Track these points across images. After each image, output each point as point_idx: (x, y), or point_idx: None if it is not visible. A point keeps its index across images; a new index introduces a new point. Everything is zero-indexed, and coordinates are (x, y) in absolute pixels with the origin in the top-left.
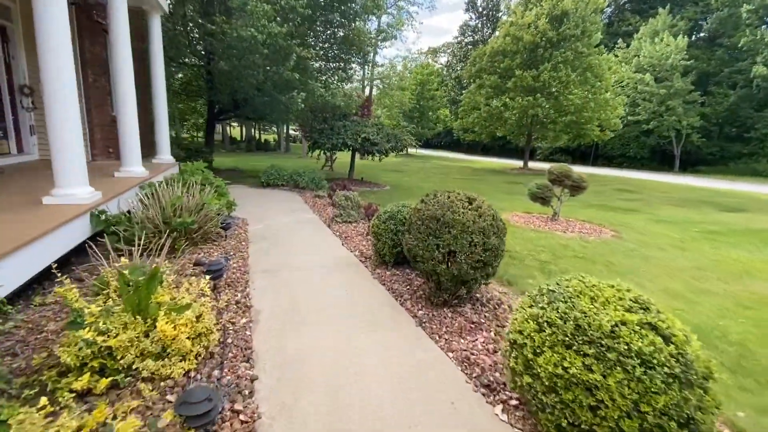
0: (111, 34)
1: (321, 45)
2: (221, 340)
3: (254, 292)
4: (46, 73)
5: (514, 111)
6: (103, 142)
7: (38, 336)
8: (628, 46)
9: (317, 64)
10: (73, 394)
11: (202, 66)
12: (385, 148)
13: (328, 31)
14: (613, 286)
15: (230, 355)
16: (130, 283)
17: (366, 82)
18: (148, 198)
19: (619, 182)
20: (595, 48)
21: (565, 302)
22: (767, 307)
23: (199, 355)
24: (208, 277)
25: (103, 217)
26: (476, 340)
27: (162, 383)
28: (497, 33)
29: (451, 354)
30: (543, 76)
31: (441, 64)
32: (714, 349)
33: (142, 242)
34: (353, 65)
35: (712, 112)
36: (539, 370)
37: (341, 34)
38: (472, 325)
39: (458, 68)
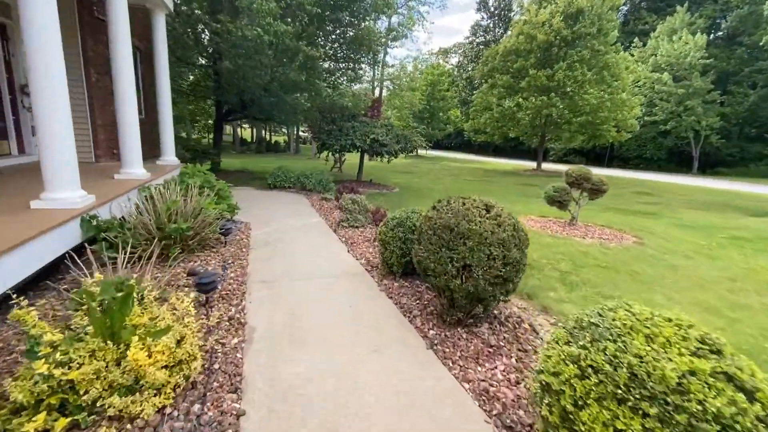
0: (110, 30)
1: (330, 45)
2: (206, 366)
3: (250, 305)
4: (34, 69)
5: (528, 111)
6: (106, 143)
7: (7, 358)
8: (644, 45)
9: (326, 65)
10: None
11: (209, 66)
12: (395, 150)
13: (338, 31)
14: (671, 320)
15: (216, 384)
16: (104, 302)
17: (376, 83)
18: (145, 202)
19: (637, 185)
20: (612, 46)
21: (614, 341)
22: None
23: (178, 387)
24: (193, 295)
25: (94, 222)
26: (495, 367)
27: (129, 425)
28: (510, 32)
29: (466, 385)
30: (557, 76)
31: (452, 64)
32: None
33: (131, 250)
34: (363, 66)
35: (732, 112)
36: (583, 429)
37: (351, 33)
38: (491, 350)
39: (469, 68)
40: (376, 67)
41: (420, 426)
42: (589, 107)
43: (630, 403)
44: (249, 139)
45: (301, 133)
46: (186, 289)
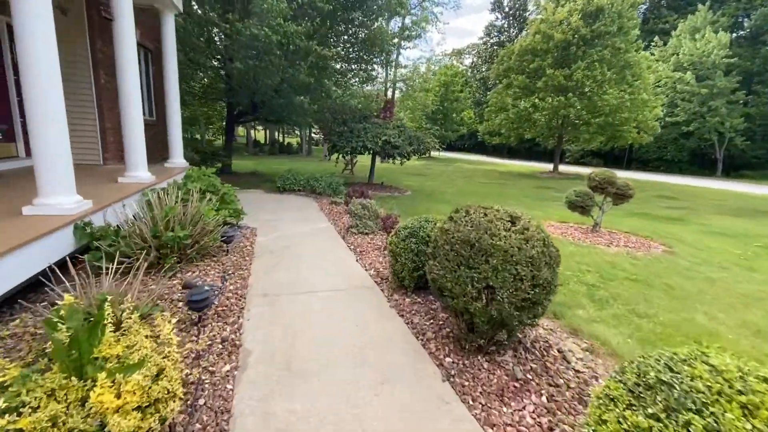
0: (115, 29)
1: (342, 45)
2: (190, 402)
3: (248, 324)
4: (25, 67)
5: (545, 112)
6: (115, 145)
7: None
8: (665, 44)
9: (338, 66)
10: None
11: (220, 68)
12: (407, 151)
13: (350, 31)
14: (766, 380)
15: (198, 426)
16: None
17: (388, 84)
18: (144, 208)
19: (659, 188)
20: (633, 44)
21: (699, 413)
22: None
23: None
24: (174, 321)
25: (88, 230)
26: (524, 407)
27: None
28: (524, 32)
29: (491, 430)
30: (576, 75)
31: (465, 65)
32: None
33: (126, 260)
34: (375, 67)
35: (757, 113)
36: None
37: (363, 34)
38: (517, 384)
39: (483, 69)
40: (388, 67)
41: None
42: (609, 108)
43: None
44: (262, 141)
45: (313, 135)
46: (180, 303)
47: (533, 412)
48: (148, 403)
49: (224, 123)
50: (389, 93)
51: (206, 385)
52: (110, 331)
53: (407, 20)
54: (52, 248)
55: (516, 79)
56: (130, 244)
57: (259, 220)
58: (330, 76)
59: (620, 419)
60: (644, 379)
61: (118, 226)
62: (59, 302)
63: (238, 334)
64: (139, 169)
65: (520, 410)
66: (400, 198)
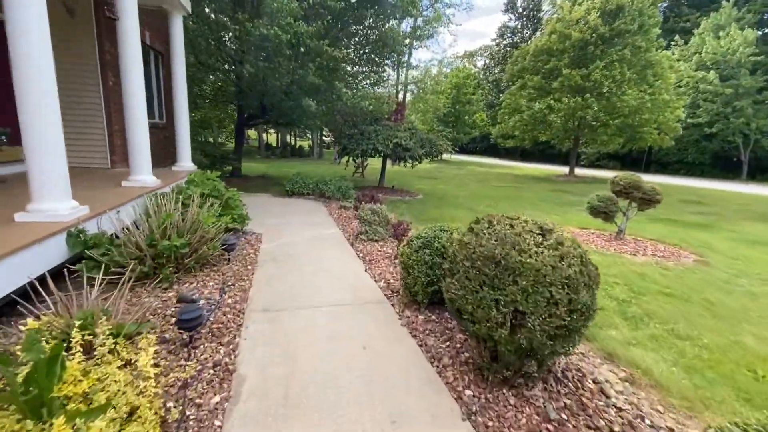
0: (119, 28)
1: (354, 47)
2: None
3: (244, 344)
4: (18, 63)
5: (561, 113)
6: (123, 148)
7: None
8: (686, 43)
9: (349, 68)
10: None
11: (230, 70)
12: (419, 154)
13: (361, 33)
14: None
15: None
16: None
17: (400, 87)
18: (143, 214)
19: (683, 192)
20: (654, 43)
21: None
22: None
23: None
24: (152, 350)
25: (82, 237)
26: None
27: None
28: (538, 33)
29: None
30: (594, 75)
31: (477, 67)
32: None
33: (120, 270)
34: (386, 69)
35: None
36: None
37: (374, 35)
38: (551, 427)
39: (496, 71)
40: (400, 69)
41: None
42: (628, 109)
43: None
44: (274, 144)
45: (324, 138)
46: (174, 319)
47: None
48: None
49: (232, 126)
50: (400, 95)
51: (191, 422)
52: (79, 361)
53: (419, 20)
54: (42, 258)
55: (531, 79)
56: (124, 253)
57: (265, 225)
58: (341, 79)
59: None
60: None
61: (113, 233)
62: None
63: (232, 356)
64: (143, 173)
65: None
66: (412, 202)
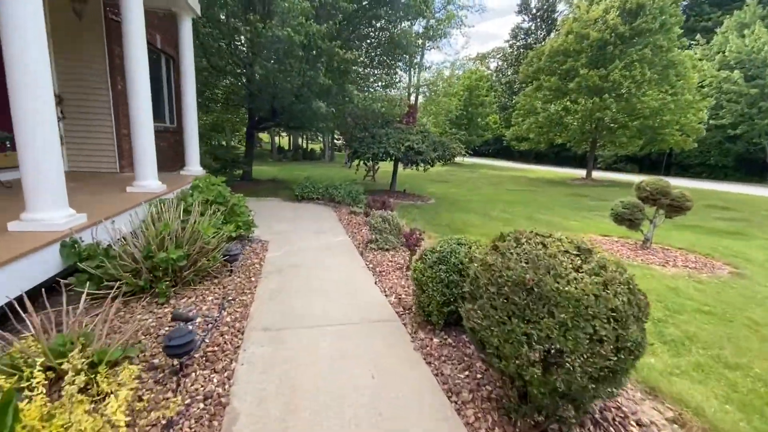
0: (124, 30)
1: (366, 49)
2: None
3: (241, 370)
4: (9, 59)
5: (577, 115)
6: (131, 152)
7: None
8: (708, 42)
9: (361, 70)
10: None
11: (242, 74)
12: (431, 158)
13: (372, 35)
14: None
15: None
16: None
17: (411, 89)
18: (143, 222)
19: (707, 196)
20: (676, 42)
21: None
22: None
23: None
24: (124, 393)
25: (76, 248)
26: None
27: None
28: (552, 34)
29: None
30: (613, 76)
31: (490, 69)
32: None
33: (111, 284)
34: (398, 71)
35: None
36: None
37: (386, 37)
38: None
39: (509, 73)
40: (412, 70)
41: None
42: (649, 110)
43: None
44: (286, 147)
45: (335, 141)
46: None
47: None
48: None
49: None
50: (412, 98)
51: None
52: (43, 404)
53: (431, 21)
54: (33, 271)
55: (547, 80)
56: (118, 266)
57: (273, 231)
58: (352, 81)
59: None
60: None
61: (109, 244)
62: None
63: (226, 386)
64: (148, 178)
65: None
66: (424, 207)
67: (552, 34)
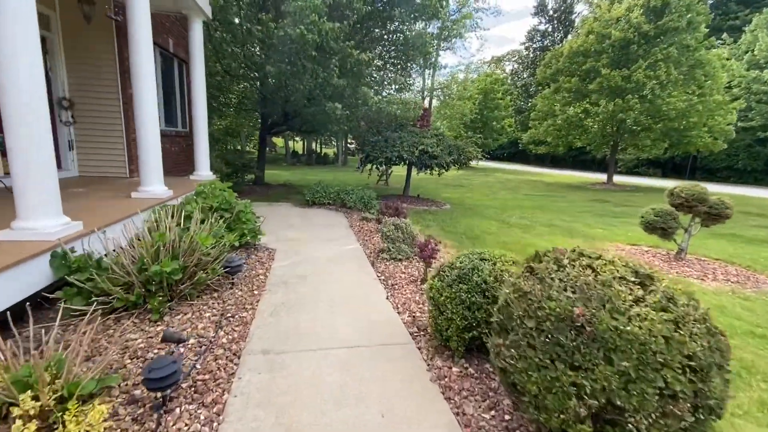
0: (130, 31)
1: (379, 50)
2: None
3: (233, 403)
4: None
5: (598, 117)
6: None
7: None
8: (735, 41)
9: (375, 74)
10: None
11: (254, 77)
12: (446, 162)
13: (386, 37)
14: None
15: None
16: None
17: (425, 93)
18: (142, 230)
19: (740, 202)
20: (703, 42)
21: None
22: None
23: None
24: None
25: (66, 260)
26: None
27: None
28: (571, 35)
29: None
30: (636, 76)
31: (506, 72)
32: None
33: (106, 298)
34: (412, 74)
35: None
36: None
37: (401, 39)
38: None
39: (524, 75)
40: (426, 72)
41: None
42: (675, 112)
43: None
44: (300, 152)
45: (349, 145)
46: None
47: None
48: None
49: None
50: (426, 101)
51: None
52: None
53: (447, 21)
54: (17, 284)
55: (567, 81)
56: (108, 279)
57: (281, 239)
58: (367, 84)
59: None
60: None
61: (105, 254)
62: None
63: (215, 424)
64: (153, 183)
65: None
66: (438, 213)
67: (569, 36)
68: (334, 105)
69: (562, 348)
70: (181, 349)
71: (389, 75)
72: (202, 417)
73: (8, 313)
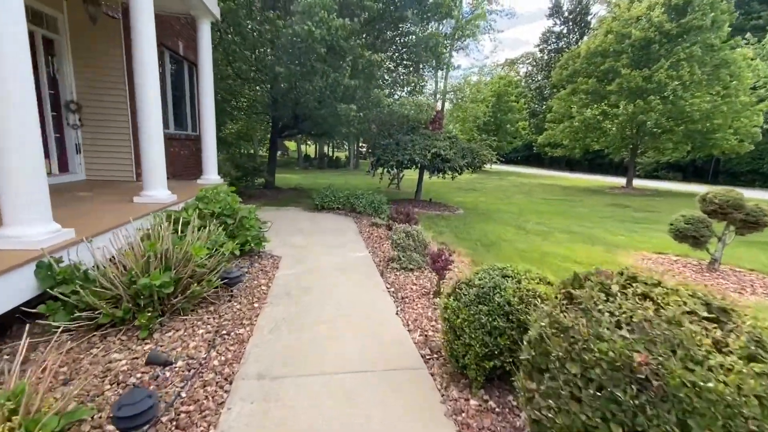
0: (133, 30)
1: (391, 51)
2: None
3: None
4: None
5: (617, 119)
6: None
7: None
8: (759, 41)
9: (387, 77)
10: None
11: (264, 80)
12: (459, 165)
13: (398, 39)
14: None
15: None
16: None
17: (438, 96)
18: (136, 240)
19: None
20: (728, 41)
21: None
22: None
23: None
24: None
25: (53, 269)
26: None
27: None
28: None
29: None
30: (658, 76)
31: (519, 75)
32: None
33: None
34: (425, 76)
35: None
36: None
37: (413, 40)
38: None
39: (539, 78)
40: (440, 72)
41: None
42: (699, 113)
43: None
44: (312, 155)
45: (360, 149)
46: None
47: None
48: None
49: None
50: (438, 104)
51: None
52: None
53: (461, 21)
54: (5, 293)
55: (584, 82)
56: (91, 293)
57: (287, 245)
58: (378, 86)
59: None
60: None
61: (95, 265)
62: None
63: None
64: (156, 188)
65: None
66: (451, 218)
67: (585, 37)
68: (348, 106)
69: (619, 406)
70: (167, 373)
71: (401, 77)
72: None
73: None
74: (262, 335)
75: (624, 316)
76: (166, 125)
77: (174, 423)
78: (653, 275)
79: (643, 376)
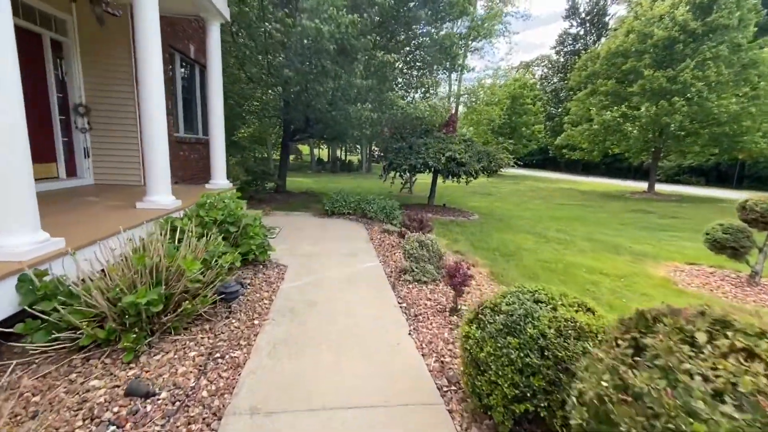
0: (136, 30)
1: (404, 53)
2: None
3: None
4: None
5: (640, 121)
6: None
7: None
8: None
9: (400, 79)
10: None
11: (275, 83)
12: (475, 169)
13: (412, 41)
14: None
15: None
16: None
17: (452, 99)
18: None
19: None
20: (756, 41)
21: None
22: None
23: None
24: None
25: (35, 283)
26: None
27: None
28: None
29: None
30: (683, 77)
31: (535, 77)
32: None
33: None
34: (438, 78)
35: None
36: None
37: (427, 41)
38: None
39: (554, 80)
40: (452, 75)
41: None
42: (727, 115)
43: None
44: (325, 159)
45: (373, 152)
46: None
47: None
48: None
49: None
50: (452, 107)
51: None
52: None
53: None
54: None
55: (604, 84)
56: (73, 311)
57: (294, 253)
58: (392, 88)
59: None
60: None
61: (82, 279)
62: None
63: None
64: (159, 193)
65: None
66: (467, 225)
67: (602, 39)
68: (362, 106)
69: None
70: (148, 407)
71: (414, 79)
72: None
73: None
74: (260, 359)
75: (721, 381)
76: (176, 128)
77: None
78: (751, 320)
79: None
